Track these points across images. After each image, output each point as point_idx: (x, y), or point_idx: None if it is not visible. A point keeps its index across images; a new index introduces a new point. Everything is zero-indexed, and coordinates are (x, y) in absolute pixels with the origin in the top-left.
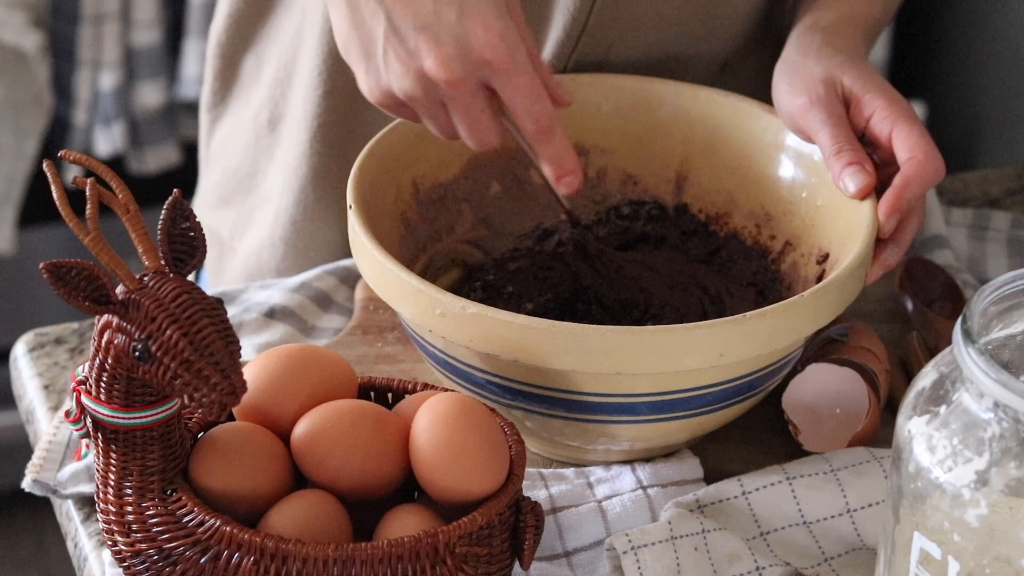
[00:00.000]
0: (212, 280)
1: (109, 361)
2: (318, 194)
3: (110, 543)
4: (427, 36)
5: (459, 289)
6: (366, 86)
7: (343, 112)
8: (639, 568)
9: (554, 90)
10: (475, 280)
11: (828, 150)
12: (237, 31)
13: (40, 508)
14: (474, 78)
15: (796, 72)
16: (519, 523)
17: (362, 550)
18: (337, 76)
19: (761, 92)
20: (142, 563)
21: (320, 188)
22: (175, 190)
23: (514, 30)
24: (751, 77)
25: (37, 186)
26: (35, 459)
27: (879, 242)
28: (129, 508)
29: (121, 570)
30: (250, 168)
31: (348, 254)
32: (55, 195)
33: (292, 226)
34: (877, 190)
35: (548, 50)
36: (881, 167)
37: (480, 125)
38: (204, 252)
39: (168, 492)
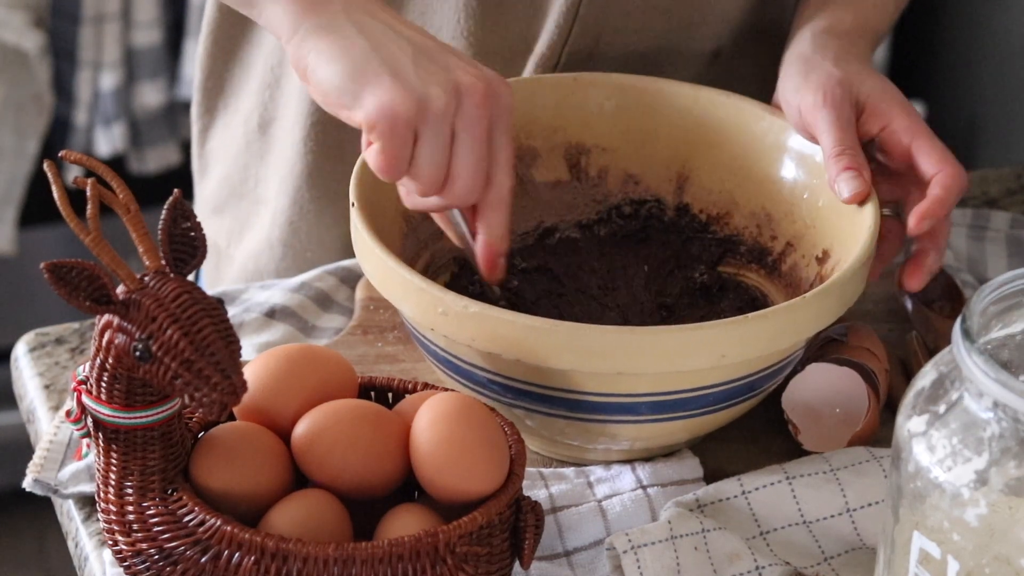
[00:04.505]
0: (210, 288)
1: (110, 361)
2: (314, 193)
3: (111, 543)
4: (455, 57)
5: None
6: (391, 97)
7: None
8: (639, 568)
9: None
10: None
11: (830, 151)
12: (217, 42)
13: (41, 508)
14: (491, 99)
15: (813, 70)
16: (519, 522)
17: (363, 550)
18: None
19: (754, 83)
20: (143, 563)
21: (316, 187)
22: (175, 190)
23: None
24: (744, 67)
25: (38, 186)
26: (36, 459)
27: (920, 251)
28: (130, 508)
29: (122, 570)
30: (243, 174)
31: (346, 253)
32: (56, 195)
33: (289, 227)
34: (891, 199)
35: (541, 42)
36: (894, 176)
37: (482, 166)
38: (204, 252)
39: (169, 492)
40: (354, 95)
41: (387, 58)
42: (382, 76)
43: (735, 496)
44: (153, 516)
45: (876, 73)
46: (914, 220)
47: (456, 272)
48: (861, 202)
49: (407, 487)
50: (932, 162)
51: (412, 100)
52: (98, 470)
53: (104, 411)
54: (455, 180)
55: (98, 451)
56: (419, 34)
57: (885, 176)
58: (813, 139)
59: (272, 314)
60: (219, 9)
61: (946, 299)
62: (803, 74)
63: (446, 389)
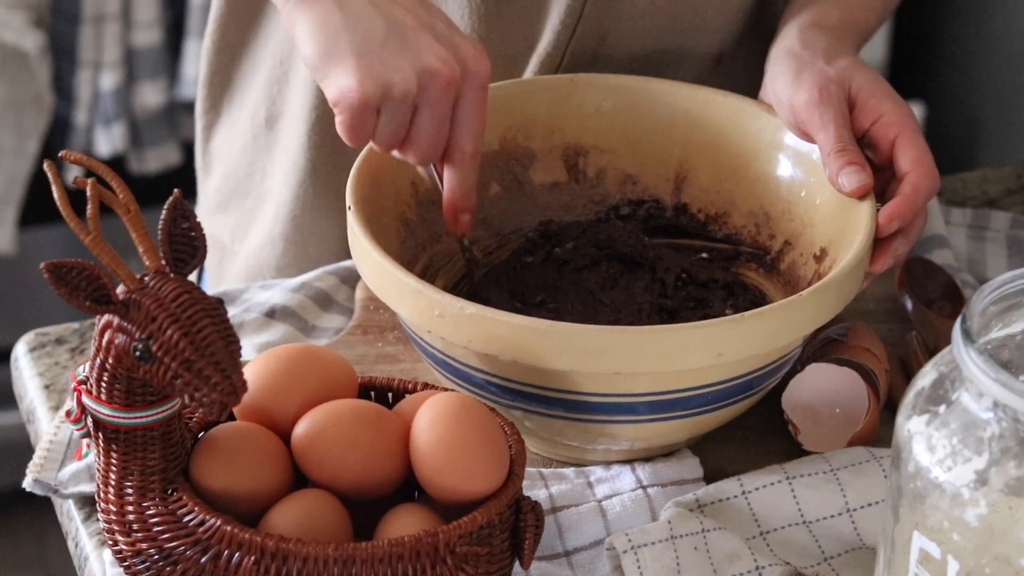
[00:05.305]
0: (213, 284)
1: (110, 361)
2: (317, 188)
3: (111, 543)
4: (428, 36)
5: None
6: (355, 80)
7: None
8: (639, 567)
9: None
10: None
11: (829, 147)
12: (224, 37)
13: (41, 508)
14: (459, 81)
15: (804, 67)
16: (519, 523)
17: (362, 550)
18: None
19: (757, 83)
20: (143, 563)
21: (319, 182)
22: (175, 190)
23: None
24: (746, 68)
25: (38, 186)
26: (36, 459)
27: (887, 237)
28: (130, 508)
29: (122, 569)
30: (248, 169)
31: (347, 249)
32: (56, 195)
33: (292, 222)
34: (877, 191)
35: (545, 40)
36: (879, 170)
37: (441, 133)
38: (204, 252)
39: (169, 492)
40: (323, 73)
41: (357, 38)
42: (348, 58)
43: (735, 496)
44: (153, 516)
45: (866, 67)
46: (883, 220)
47: (457, 275)
48: (862, 196)
49: (407, 487)
50: (908, 159)
51: (372, 84)
52: (98, 470)
53: (104, 411)
54: (411, 144)
55: (98, 451)
56: (401, 8)
57: (872, 170)
58: (806, 136)
59: (272, 314)
60: (227, 3)
61: (946, 299)
62: (795, 71)
63: (446, 389)
